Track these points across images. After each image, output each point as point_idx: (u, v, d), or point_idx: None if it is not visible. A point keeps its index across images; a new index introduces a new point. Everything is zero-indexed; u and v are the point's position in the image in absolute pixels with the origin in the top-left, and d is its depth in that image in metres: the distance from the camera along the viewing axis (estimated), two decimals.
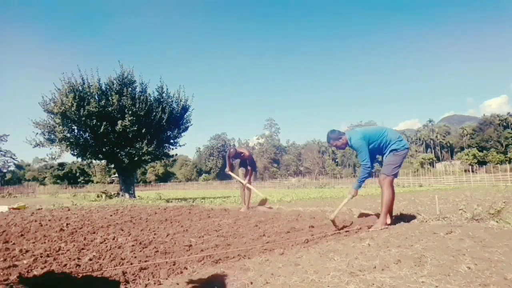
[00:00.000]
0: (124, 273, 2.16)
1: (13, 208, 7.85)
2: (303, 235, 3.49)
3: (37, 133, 14.16)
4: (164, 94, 15.21)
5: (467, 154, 69.41)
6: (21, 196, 26.31)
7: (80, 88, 13.51)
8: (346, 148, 4.20)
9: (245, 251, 2.84)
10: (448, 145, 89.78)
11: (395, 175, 3.96)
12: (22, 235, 3.70)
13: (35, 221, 4.86)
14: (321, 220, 4.58)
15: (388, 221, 4.02)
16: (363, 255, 2.38)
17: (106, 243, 3.17)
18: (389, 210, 4.09)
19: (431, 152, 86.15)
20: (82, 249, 2.96)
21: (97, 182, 66.50)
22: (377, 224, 3.87)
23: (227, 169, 6.89)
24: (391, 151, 3.92)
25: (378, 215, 4.80)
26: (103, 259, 2.56)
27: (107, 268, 2.31)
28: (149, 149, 14.13)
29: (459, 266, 2.02)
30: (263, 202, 7.36)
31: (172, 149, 16.19)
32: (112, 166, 16.82)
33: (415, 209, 5.79)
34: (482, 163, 60.20)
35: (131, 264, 2.40)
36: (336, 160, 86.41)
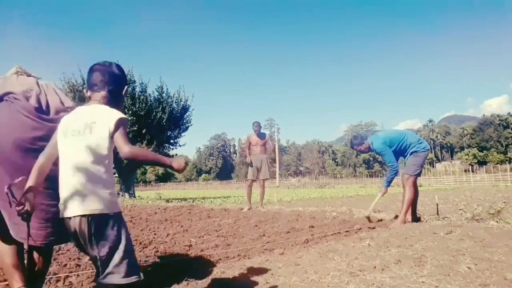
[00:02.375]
0: None
1: None
2: (303, 235, 3.49)
3: None
4: (164, 94, 15.20)
5: (467, 154, 69.36)
6: None
7: (80, 88, 13.53)
8: (370, 151, 4.39)
9: (245, 251, 2.84)
10: (448, 145, 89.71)
11: (418, 175, 4.13)
12: None
13: None
14: (321, 220, 4.58)
15: (409, 219, 4.09)
16: (363, 255, 2.37)
17: None
18: (412, 209, 4.18)
19: (431, 152, 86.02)
20: None
21: None
22: (397, 221, 3.94)
23: (247, 154, 6.74)
24: (411, 153, 4.09)
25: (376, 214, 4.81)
26: None
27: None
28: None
29: (459, 266, 2.01)
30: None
31: (172, 149, 16.19)
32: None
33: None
34: (482, 163, 60.07)
35: None
36: (336, 160, 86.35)
